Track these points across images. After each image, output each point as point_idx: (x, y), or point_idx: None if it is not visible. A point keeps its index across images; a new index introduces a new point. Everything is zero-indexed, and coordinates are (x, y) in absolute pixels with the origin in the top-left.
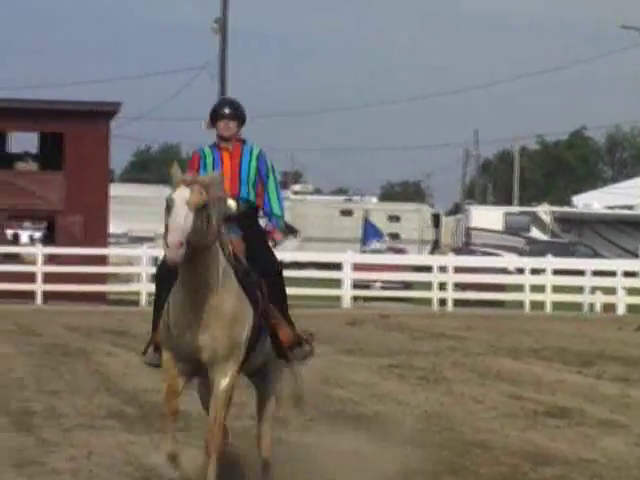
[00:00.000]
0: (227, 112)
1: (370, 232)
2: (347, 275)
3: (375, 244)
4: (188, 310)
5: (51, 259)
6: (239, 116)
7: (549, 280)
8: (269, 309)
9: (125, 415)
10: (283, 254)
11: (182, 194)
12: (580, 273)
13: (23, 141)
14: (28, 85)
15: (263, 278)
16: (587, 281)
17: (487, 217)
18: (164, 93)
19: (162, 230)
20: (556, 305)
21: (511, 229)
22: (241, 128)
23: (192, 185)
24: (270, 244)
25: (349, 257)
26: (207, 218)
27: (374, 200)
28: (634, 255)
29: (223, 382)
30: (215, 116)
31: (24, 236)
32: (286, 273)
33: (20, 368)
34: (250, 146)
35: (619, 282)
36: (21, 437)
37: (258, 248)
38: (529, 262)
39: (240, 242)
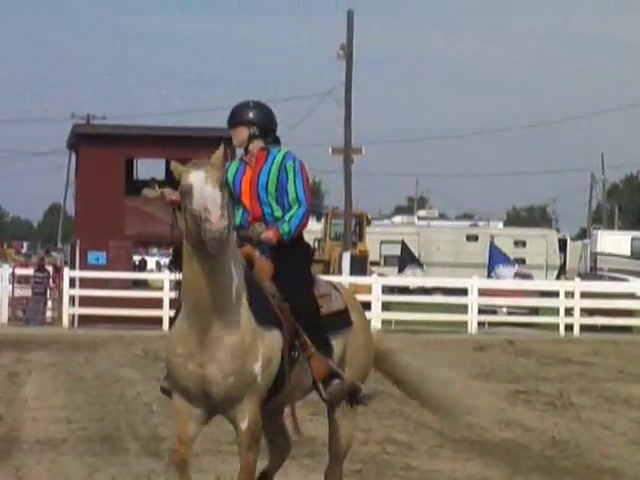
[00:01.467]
0: (235, 118)
1: (496, 257)
2: (473, 300)
3: (502, 269)
4: (191, 339)
5: (177, 284)
6: (251, 120)
7: None
8: (300, 337)
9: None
10: (408, 280)
11: (198, 175)
12: None
13: (150, 168)
14: (155, 112)
15: (292, 303)
16: None
17: (614, 242)
18: (289, 119)
19: None
20: None
21: (638, 254)
22: (262, 135)
23: (203, 166)
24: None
25: (475, 282)
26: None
27: (500, 225)
28: None
29: (243, 424)
30: (227, 124)
31: (151, 262)
32: (412, 298)
33: (148, 393)
34: (275, 152)
35: None
36: (150, 462)
37: (288, 272)
38: None
39: (269, 264)
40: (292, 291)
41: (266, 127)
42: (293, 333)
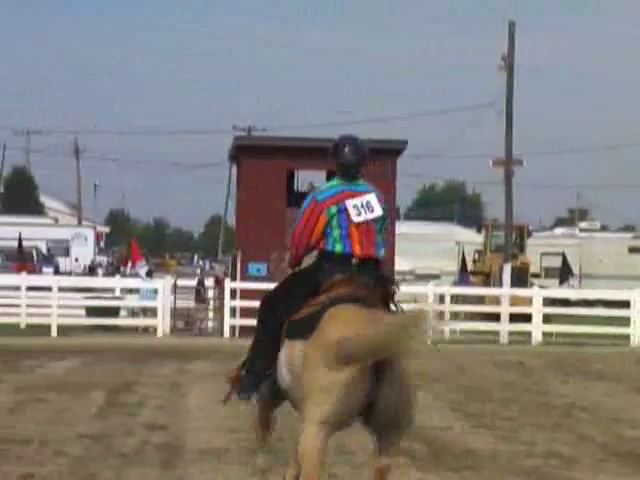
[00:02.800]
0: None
1: None
2: (636, 313)
3: None
4: None
5: None
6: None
7: None
8: None
9: (414, 452)
10: (569, 292)
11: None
12: None
13: (311, 179)
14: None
15: None
16: None
17: None
18: (451, 131)
19: (448, 268)
20: None
21: None
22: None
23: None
24: None
25: (637, 294)
26: None
27: None
28: None
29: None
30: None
31: None
32: (573, 311)
33: None
34: None
35: None
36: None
37: None
38: None
39: None
40: None
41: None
42: None
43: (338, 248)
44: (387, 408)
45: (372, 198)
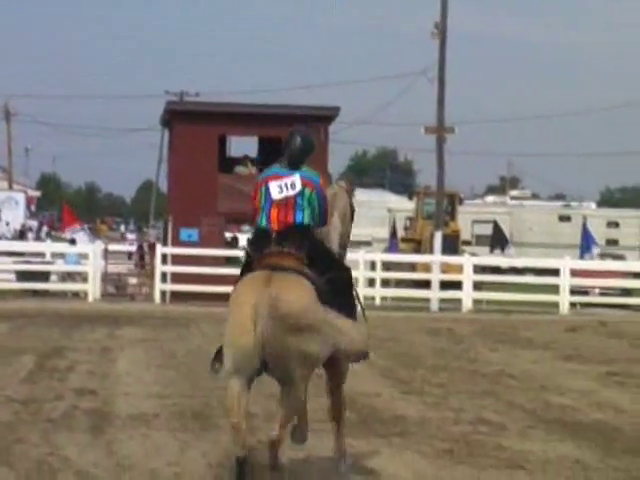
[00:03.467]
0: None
1: (589, 240)
2: (565, 281)
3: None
4: None
5: None
6: None
7: None
8: None
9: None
10: (500, 260)
11: None
12: None
13: (243, 145)
14: (246, 90)
15: None
16: None
17: None
18: (383, 98)
19: (379, 235)
20: None
21: None
22: None
23: None
24: None
25: (567, 263)
26: None
27: (593, 206)
28: None
29: None
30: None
31: (243, 239)
32: (504, 278)
33: None
34: None
35: None
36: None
37: None
38: None
39: None
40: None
41: None
42: None
43: (263, 223)
44: (278, 362)
45: (296, 179)
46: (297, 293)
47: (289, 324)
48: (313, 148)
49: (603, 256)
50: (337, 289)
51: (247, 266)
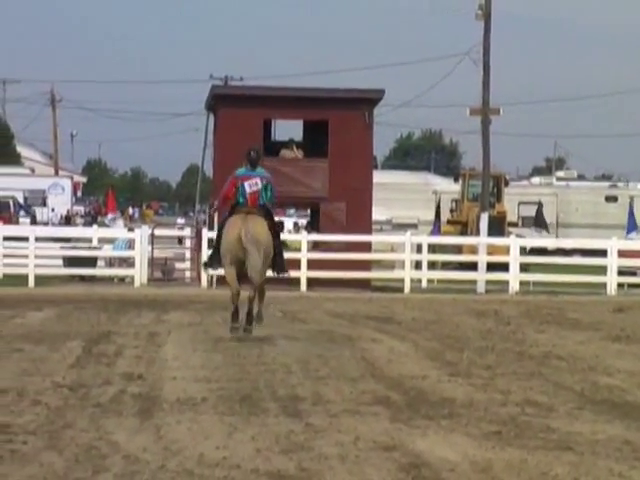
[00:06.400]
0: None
1: (632, 223)
2: (612, 262)
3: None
4: None
5: (315, 246)
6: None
7: None
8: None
9: (391, 401)
10: (546, 241)
11: None
12: None
13: (288, 129)
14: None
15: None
16: None
17: None
18: (428, 80)
19: (425, 217)
20: None
21: None
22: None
23: None
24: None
25: (614, 243)
26: None
27: (639, 186)
28: None
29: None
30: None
31: (289, 223)
32: (550, 260)
33: (288, 354)
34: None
35: None
36: (289, 422)
37: None
38: None
39: None
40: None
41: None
42: None
43: (241, 200)
44: (250, 265)
45: (258, 179)
46: (262, 229)
47: (258, 243)
48: (261, 156)
49: None
50: (272, 231)
51: (230, 216)
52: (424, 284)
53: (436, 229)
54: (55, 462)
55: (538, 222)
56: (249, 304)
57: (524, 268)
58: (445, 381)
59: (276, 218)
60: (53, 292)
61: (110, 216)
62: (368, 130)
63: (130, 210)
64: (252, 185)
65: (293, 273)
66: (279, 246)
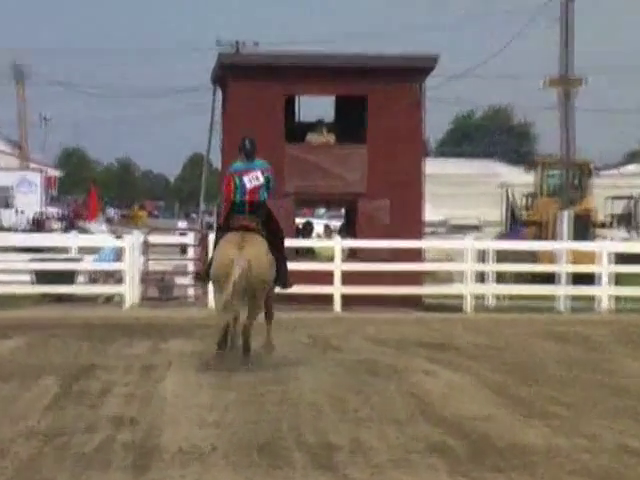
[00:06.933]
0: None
1: None
2: None
3: None
4: None
5: (352, 254)
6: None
7: None
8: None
9: (447, 449)
10: None
11: None
12: None
13: (316, 107)
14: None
15: None
16: None
17: None
18: (492, 43)
19: (490, 217)
20: None
21: None
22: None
23: None
24: None
25: None
26: None
27: None
28: None
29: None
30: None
31: (318, 226)
32: None
33: (317, 391)
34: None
35: None
36: (320, 477)
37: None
38: None
39: None
40: None
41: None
42: None
43: (238, 198)
44: (250, 294)
45: (258, 173)
46: (260, 256)
47: (255, 275)
48: (256, 145)
49: None
50: (275, 239)
51: (226, 224)
52: (490, 301)
53: (516, 232)
54: None
55: (629, 221)
56: (243, 336)
57: (618, 280)
58: (516, 423)
59: (300, 219)
60: (21, 315)
61: (94, 223)
62: (417, 108)
63: (109, 212)
64: (252, 179)
65: (325, 289)
66: (282, 258)
